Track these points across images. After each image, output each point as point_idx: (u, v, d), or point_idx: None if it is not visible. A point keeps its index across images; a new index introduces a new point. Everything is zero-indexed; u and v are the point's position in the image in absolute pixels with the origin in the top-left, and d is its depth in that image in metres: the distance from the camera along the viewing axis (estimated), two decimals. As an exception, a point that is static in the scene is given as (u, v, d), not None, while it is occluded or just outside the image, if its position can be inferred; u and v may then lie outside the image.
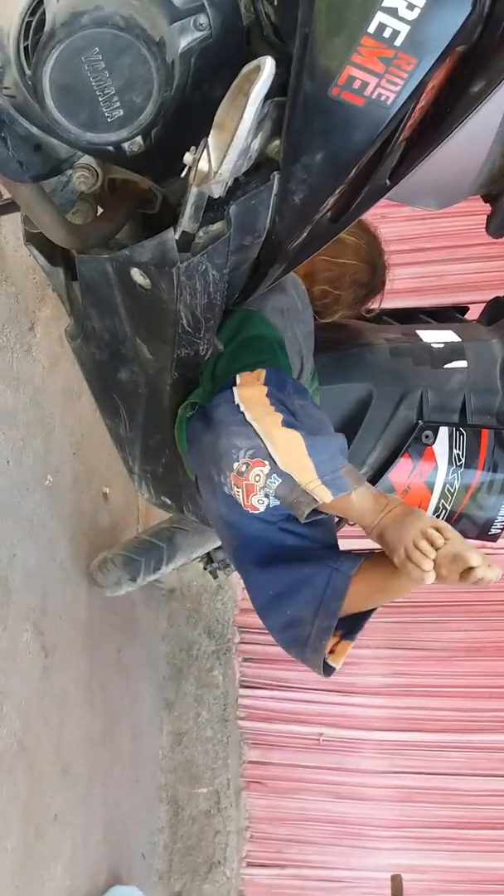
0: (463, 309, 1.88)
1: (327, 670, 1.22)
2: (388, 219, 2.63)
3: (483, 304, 1.86)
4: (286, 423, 1.06)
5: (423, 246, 2.79)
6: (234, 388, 1.07)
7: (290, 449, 1.06)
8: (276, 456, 1.05)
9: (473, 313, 1.87)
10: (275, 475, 1.06)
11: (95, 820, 2.09)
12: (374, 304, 1.64)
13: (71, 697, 1.96)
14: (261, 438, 1.05)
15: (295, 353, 1.36)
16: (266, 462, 1.05)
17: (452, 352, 1.61)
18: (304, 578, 1.18)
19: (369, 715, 2.80)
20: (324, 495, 1.06)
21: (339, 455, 1.12)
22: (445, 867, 2.68)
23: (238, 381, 1.07)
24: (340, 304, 1.58)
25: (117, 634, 2.32)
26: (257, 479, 1.07)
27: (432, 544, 1.06)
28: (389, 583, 1.17)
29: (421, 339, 1.64)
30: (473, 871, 2.68)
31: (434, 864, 2.69)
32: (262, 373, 1.08)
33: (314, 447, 1.07)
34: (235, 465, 1.06)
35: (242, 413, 1.05)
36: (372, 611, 1.23)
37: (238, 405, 1.05)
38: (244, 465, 1.06)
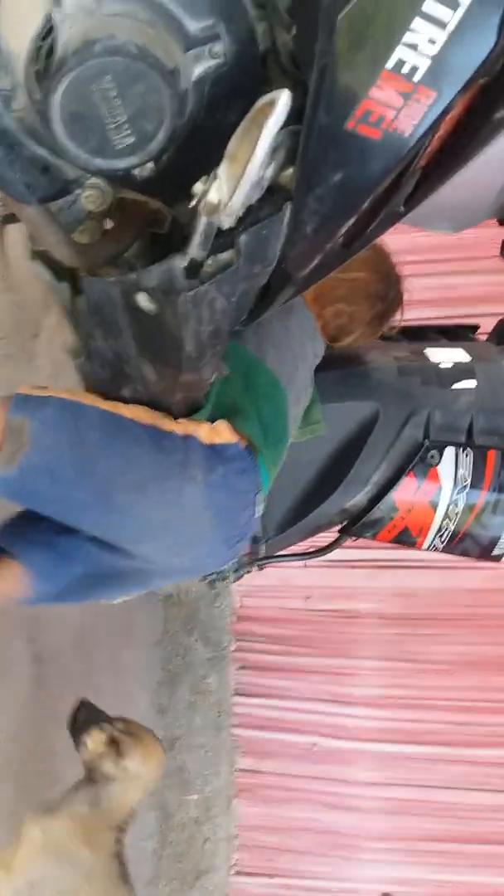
0: (473, 327, 1.87)
1: None
2: (399, 229, 2.61)
3: (494, 317, 1.85)
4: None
5: (435, 257, 2.77)
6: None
7: None
8: None
9: (487, 326, 1.86)
10: None
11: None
12: (396, 320, 1.57)
13: (64, 705, 1.94)
14: None
15: (301, 399, 1.37)
16: None
17: (461, 371, 1.60)
18: None
19: (364, 726, 2.80)
20: None
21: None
22: (436, 881, 2.69)
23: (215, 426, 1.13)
24: (356, 321, 1.49)
25: (112, 640, 2.31)
26: None
27: None
28: None
29: (429, 359, 1.63)
30: (464, 886, 2.68)
31: (425, 878, 2.69)
32: (240, 439, 1.15)
33: None
34: None
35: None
36: None
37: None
38: None
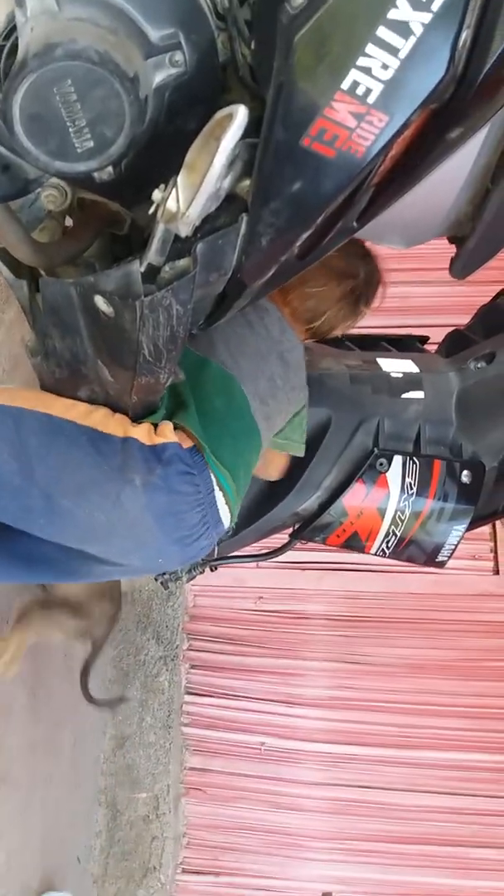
0: (423, 338, 1.91)
1: None
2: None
3: (444, 328, 1.90)
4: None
5: (391, 266, 2.81)
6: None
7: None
8: None
9: (437, 336, 1.91)
10: None
11: (33, 827, 2.08)
12: (376, 301, 1.56)
13: (16, 705, 1.94)
14: None
15: (271, 398, 1.37)
16: None
17: (410, 382, 1.63)
18: None
19: (311, 727, 2.83)
20: None
21: None
22: (377, 880, 2.73)
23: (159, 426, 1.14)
24: (325, 300, 1.47)
25: (65, 638, 2.30)
26: None
27: None
28: None
29: (380, 368, 1.66)
30: (403, 886, 2.73)
31: (366, 878, 2.73)
32: (184, 440, 1.15)
33: None
34: None
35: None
36: None
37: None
38: None
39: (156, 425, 1.16)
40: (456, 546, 1.68)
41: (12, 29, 0.77)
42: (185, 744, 2.87)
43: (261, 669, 2.88)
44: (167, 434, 1.14)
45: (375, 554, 1.67)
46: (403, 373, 1.63)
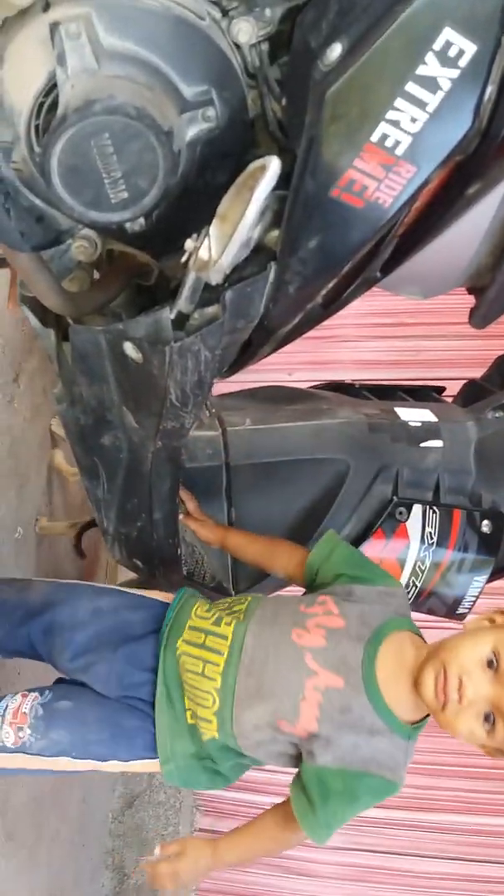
0: (439, 388, 1.92)
1: None
2: (373, 292, 2.70)
3: (459, 381, 1.91)
4: None
5: (404, 321, 2.85)
6: None
7: None
8: None
9: (452, 389, 1.92)
10: None
11: (37, 887, 2.01)
12: None
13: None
14: None
15: None
16: None
17: (428, 431, 1.64)
18: None
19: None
20: None
21: None
22: None
23: None
24: None
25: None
26: None
27: None
28: None
29: (398, 417, 1.66)
30: None
31: None
32: None
33: None
34: None
35: None
36: None
37: None
38: None
39: None
40: (476, 598, 1.66)
41: (53, 86, 0.80)
42: (195, 804, 2.79)
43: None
44: None
45: (395, 605, 1.64)
46: (422, 422, 1.63)
